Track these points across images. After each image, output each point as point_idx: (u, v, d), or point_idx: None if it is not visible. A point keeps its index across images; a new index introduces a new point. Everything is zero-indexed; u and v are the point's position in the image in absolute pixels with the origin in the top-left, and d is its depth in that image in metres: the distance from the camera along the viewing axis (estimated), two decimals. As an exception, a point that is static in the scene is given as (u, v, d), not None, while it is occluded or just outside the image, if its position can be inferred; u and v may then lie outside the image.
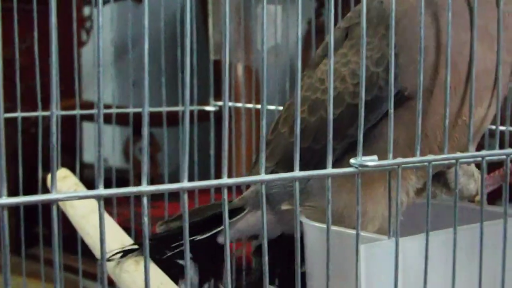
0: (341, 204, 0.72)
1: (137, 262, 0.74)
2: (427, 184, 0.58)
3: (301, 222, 0.71)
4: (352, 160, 0.54)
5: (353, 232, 0.56)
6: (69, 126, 1.13)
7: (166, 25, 1.16)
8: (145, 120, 0.45)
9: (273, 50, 1.13)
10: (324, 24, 1.21)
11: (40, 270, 1.13)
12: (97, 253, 0.83)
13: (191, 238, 0.78)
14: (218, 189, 0.51)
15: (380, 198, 0.71)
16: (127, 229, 0.85)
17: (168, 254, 0.79)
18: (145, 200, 0.47)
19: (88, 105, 1.28)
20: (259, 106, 1.12)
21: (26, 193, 0.42)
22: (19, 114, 1.09)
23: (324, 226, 0.54)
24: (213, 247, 0.82)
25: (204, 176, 0.92)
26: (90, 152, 2.22)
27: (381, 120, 0.68)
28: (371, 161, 0.54)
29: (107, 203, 0.50)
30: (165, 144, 1.18)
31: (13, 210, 0.70)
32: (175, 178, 0.51)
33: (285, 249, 0.80)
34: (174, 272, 0.75)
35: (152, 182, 0.46)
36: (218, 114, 1.14)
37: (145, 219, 0.47)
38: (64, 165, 1.10)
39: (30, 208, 0.69)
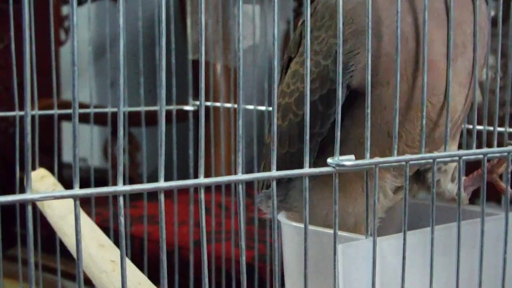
0: (325, 206, 0.72)
1: (115, 262, 0.74)
2: (404, 183, 0.58)
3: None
4: (329, 160, 0.54)
5: (331, 231, 0.56)
6: (48, 126, 1.13)
7: (144, 25, 1.16)
8: (120, 119, 0.45)
9: (251, 49, 1.13)
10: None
11: (18, 270, 1.12)
12: (75, 253, 0.82)
13: None
14: (197, 189, 0.51)
15: (358, 197, 0.71)
16: (105, 229, 0.84)
17: None
18: (121, 200, 0.46)
19: (67, 104, 1.26)
20: (238, 106, 1.12)
21: (3, 193, 0.42)
22: (-4, 114, 1.08)
23: (302, 225, 0.54)
24: None
25: (183, 176, 0.92)
26: (69, 152, 2.20)
27: (344, 119, 0.67)
28: (348, 160, 0.54)
29: (86, 203, 0.50)
30: (144, 144, 1.18)
31: (-10, 210, 0.70)
32: (154, 178, 0.51)
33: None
34: None
35: (131, 182, 0.46)
36: (197, 113, 1.14)
37: (122, 219, 0.46)
38: (42, 165, 1.09)
39: (8, 209, 0.69)
